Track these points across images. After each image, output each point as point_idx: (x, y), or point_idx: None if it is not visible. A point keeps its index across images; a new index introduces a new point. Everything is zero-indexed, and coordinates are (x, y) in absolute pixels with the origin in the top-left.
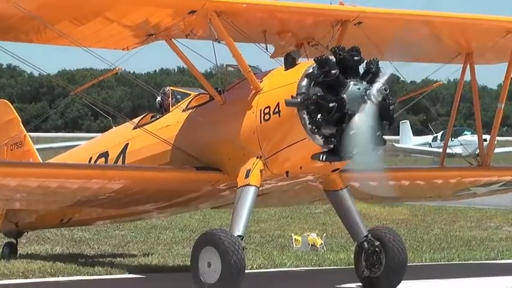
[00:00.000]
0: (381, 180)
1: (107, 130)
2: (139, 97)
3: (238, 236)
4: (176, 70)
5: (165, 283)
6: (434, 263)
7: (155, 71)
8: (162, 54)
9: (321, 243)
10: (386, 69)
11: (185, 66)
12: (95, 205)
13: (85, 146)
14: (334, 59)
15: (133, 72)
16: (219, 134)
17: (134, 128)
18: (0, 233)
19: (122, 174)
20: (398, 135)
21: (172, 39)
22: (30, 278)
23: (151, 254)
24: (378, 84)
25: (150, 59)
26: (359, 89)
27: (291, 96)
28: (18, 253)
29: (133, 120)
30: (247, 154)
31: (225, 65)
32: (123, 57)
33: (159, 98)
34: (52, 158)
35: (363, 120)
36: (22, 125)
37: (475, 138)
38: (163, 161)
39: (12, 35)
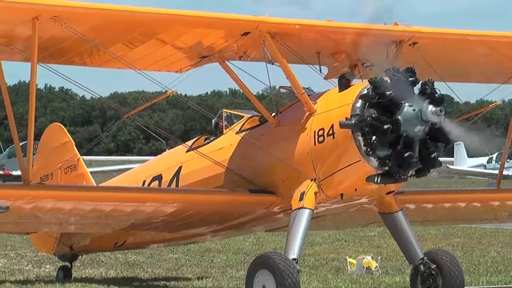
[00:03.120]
0: None
1: (159, 153)
2: (191, 119)
3: (293, 259)
4: (228, 92)
5: None
6: (491, 286)
7: (207, 93)
8: (214, 76)
9: (376, 266)
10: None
11: (237, 88)
12: (148, 228)
13: (138, 169)
14: (388, 80)
15: (185, 94)
16: (272, 156)
17: (187, 151)
18: (54, 257)
19: (175, 197)
20: (453, 156)
21: (226, 61)
22: None
23: (206, 278)
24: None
25: (201, 81)
26: (414, 110)
27: (346, 117)
28: (73, 277)
29: (186, 143)
30: (301, 176)
31: (278, 87)
32: (177, 79)
33: (215, 119)
34: (104, 181)
35: None
36: (76, 148)
37: None
38: (217, 183)
39: (66, 58)
